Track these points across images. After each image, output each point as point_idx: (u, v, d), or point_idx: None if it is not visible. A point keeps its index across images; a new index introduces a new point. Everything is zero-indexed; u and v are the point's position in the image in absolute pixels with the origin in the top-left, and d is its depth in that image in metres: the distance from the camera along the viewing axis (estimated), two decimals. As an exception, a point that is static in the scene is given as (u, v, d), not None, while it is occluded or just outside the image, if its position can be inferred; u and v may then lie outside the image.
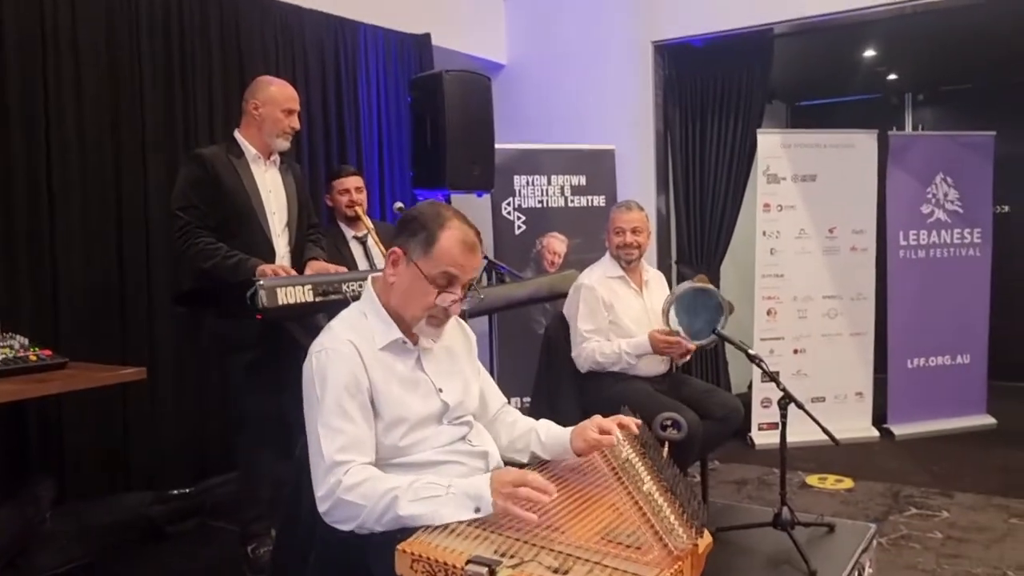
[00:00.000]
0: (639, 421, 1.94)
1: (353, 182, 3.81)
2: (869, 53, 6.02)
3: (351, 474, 1.63)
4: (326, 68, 4.36)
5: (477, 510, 1.55)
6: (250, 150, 3.04)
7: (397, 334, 1.78)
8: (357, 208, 3.74)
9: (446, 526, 1.55)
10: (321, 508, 1.65)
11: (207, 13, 3.75)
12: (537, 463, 1.91)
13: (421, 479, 1.62)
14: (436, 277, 1.74)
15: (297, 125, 3.08)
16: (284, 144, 3.07)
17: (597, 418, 1.89)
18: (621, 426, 1.89)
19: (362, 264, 3.73)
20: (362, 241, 3.81)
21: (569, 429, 1.91)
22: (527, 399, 3.85)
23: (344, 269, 3.11)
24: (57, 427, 3.18)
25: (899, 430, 4.98)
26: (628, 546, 1.55)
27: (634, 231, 3.34)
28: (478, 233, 1.81)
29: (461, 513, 1.55)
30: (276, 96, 3.02)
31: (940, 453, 4.64)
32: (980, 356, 5.17)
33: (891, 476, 4.22)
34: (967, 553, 3.26)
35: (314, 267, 3.06)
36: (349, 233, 3.82)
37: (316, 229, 3.39)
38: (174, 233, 2.92)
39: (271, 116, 3.01)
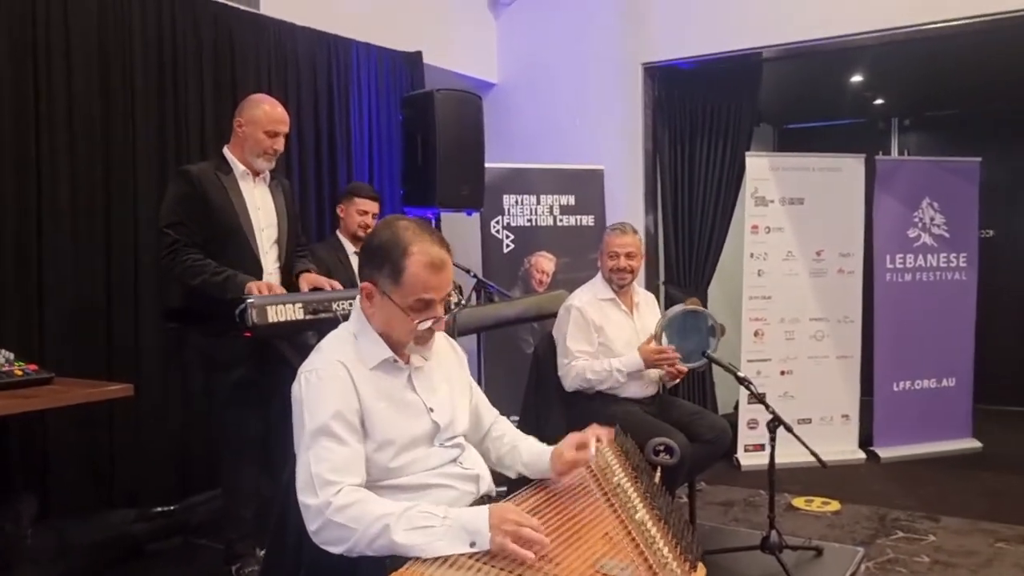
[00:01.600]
0: (611, 432, 1.96)
1: (373, 207, 3.85)
2: (856, 78, 6.08)
3: (342, 495, 1.61)
4: (318, 85, 4.36)
5: (472, 544, 1.52)
6: (238, 167, 3.03)
7: (387, 353, 1.78)
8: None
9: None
10: (310, 527, 1.62)
11: (200, 29, 3.75)
12: (529, 485, 1.90)
13: (416, 506, 1.60)
14: (411, 305, 1.72)
15: (280, 147, 3.06)
16: (264, 164, 3.05)
17: (572, 436, 1.87)
18: (598, 438, 1.88)
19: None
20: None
21: (549, 450, 1.89)
22: (515, 418, 3.83)
23: (338, 284, 3.09)
24: (41, 442, 3.14)
25: (885, 453, 5.00)
26: (620, 580, 1.54)
27: (628, 255, 3.35)
28: (444, 244, 1.76)
29: (456, 547, 1.52)
30: (260, 117, 3.01)
31: (926, 476, 4.66)
32: (966, 380, 5.20)
33: (878, 499, 4.23)
34: (953, 578, 3.26)
35: (308, 279, 3.05)
36: (351, 248, 3.82)
37: (304, 247, 3.39)
38: (162, 250, 2.91)
39: (253, 136, 3.01)
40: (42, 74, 3.17)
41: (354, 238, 3.82)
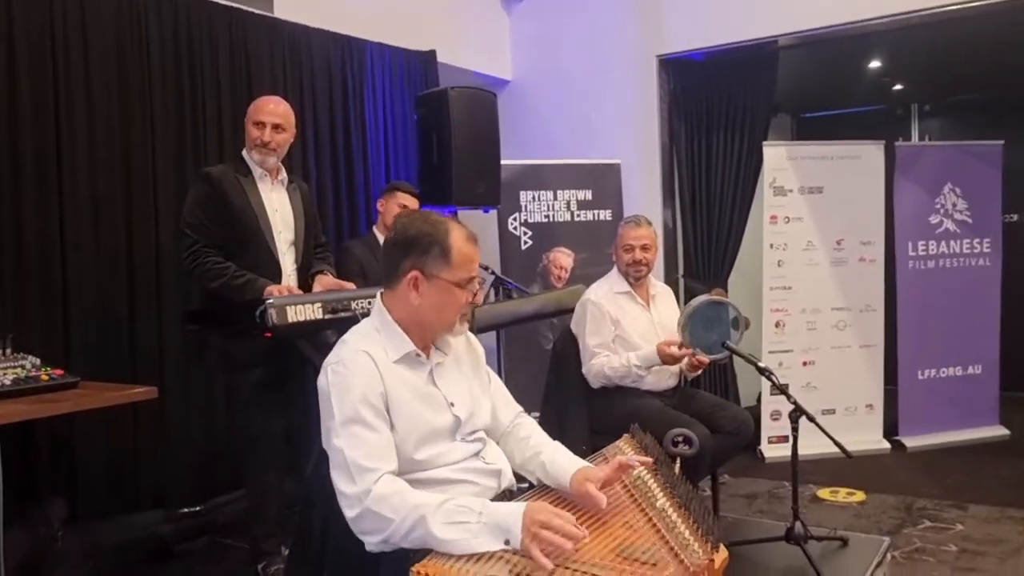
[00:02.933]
0: (649, 460, 1.90)
1: (414, 203, 3.86)
2: (874, 64, 6.02)
3: (382, 483, 1.62)
4: (333, 86, 4.39)
5: (507, 542, 1.54)
6: (256, 169, 3.06)
7: (410, 347, 1.79)
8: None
9: (460, 544, 1.54)
10: (349, 514, 1.63)
11: (215, 33, 3.79)
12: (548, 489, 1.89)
13: (452, 500, 1.60)
14: (463, 281, 1.79)
15: (267, 139, 3.02)
16: (259, 158, 3.04)
17: (600, 472, 1.80)
18: (623, 468, 1.82)
19: None
20: None
21: (571, 470, 1.82)
22: (535, 414, 3.84)
23: (352, 285, 3.11)
24: (68, 446, 3.18)
25: (911, 442, 4.95)
26: (644, 563, 1.54)
27: (644, 248, 3.34)
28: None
29: (492, 544, 1.54)
30: (250, 111, 3.05)
31: (953, 465, 4.61)
32: (991, 367, 5.14)
33: (904, 489, 4.19)
34: (983, 567, 3.23)
35: (323, 282, 3.07)
36: None
37: (324, 248, 3.40)
38: (182, 252, 2.94)
39: (247, 131, 3.04)
40: (61, 78, 3.22)
41: None
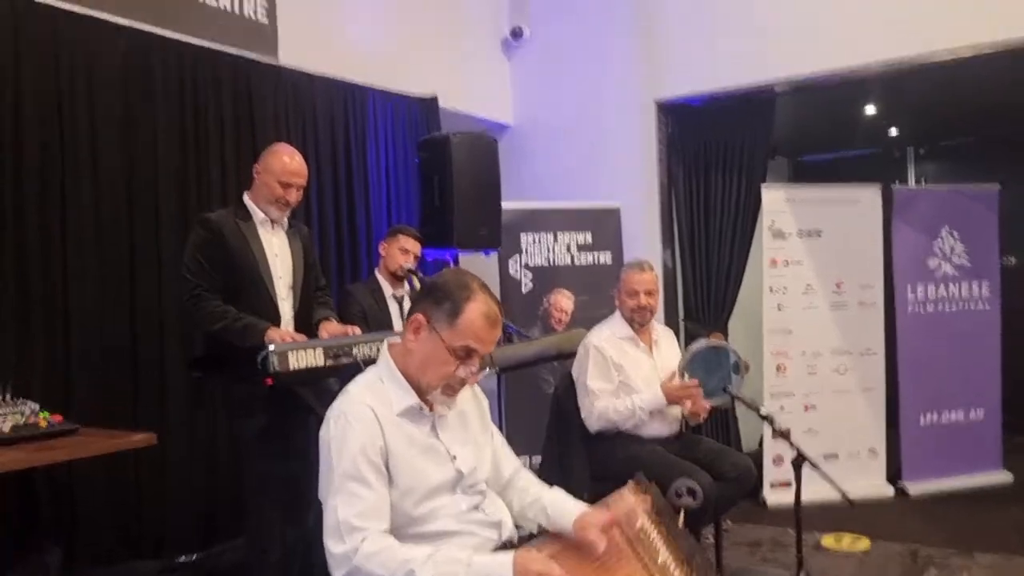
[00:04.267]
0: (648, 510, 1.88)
1: (416, 247, 3.87)
2: (869, 108, 6.09)
3: (369, 542, 1.62)
4: (335, 131, 4.43)
5: None
6: (258, 214, 3.07)
7: (414, 400, 1.78)
8: (411, 274, 3.78)
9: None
10: (337, 574, 1.64)
11: (221, 80, 3.83)
12: (549, 535, 1.87)
13: (440, 551, 1.60)
14: (457, 349, 1.74)
15: (292, 199, 3.07)
16: (276, 213, 3.07)
17: (600, 516, 1.79)
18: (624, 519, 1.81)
19: (397, 323, 3.73)
20: (399, 301, 3.83)
21: (573, 514, 1.82)
22: (536, 457, 3.82)
23: (357, 330, 3.11)
24: (66, 492, 3.15)
25: (914, 487, 4.90)
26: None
27: (648, 293, 3.35)
28: (500, 306, 1.81)
29: None
30: (275, 167, 3.04)
31: (958, 511, 4.56)
32: (994, 411, 5.11)
33: (908, 536, 4.14)
34: (990, 616, 3.18)
35: (328, 328, 3.06)
36: (389, 290, 3.84)
37: (324, 291, 3.41)
38: (183, 296, 2.94)
39: (267, 184, 3.04)
40: (67, 120, 3.25)
41: (393, 278, 3.84)
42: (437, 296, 1.77)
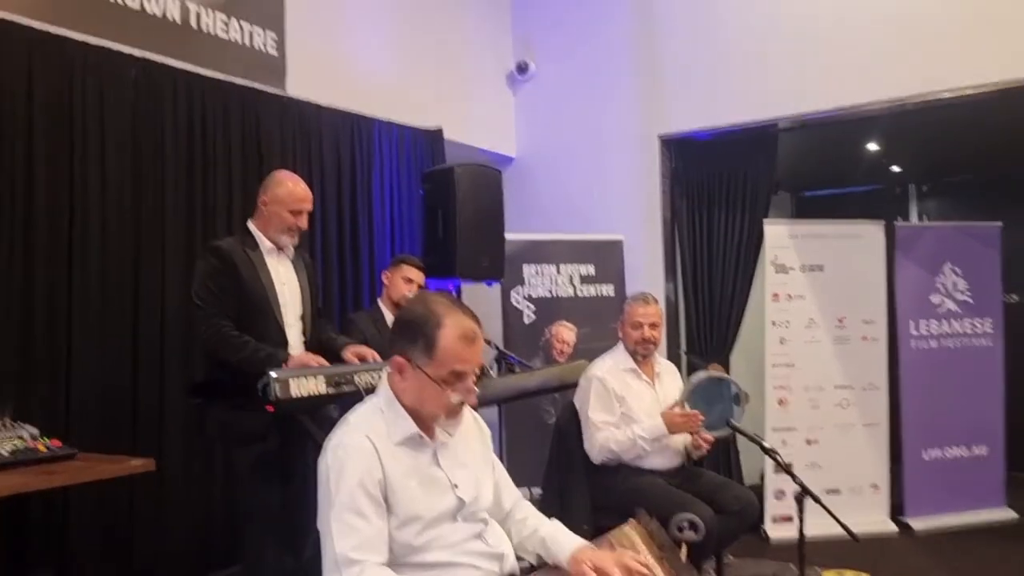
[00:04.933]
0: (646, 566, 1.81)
1: (419, 277, 3.89)
2: (872, 146, 6.14)
3: (365, 575, 1.60)
4: (341, 161, 4.48)
5: None
6: (264, 242, 3.09)
7: (414, 429, 1.77)
8: None
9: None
10: None
11: (229, 110, 3.88)
12: (550, 569, 1.86)
13: None
14: (445, 378, 1.73)
15: (303, 225, 3.11)
16: (288, 241, 3.11)
17: (598, 556, 1.77)
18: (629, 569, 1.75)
19: None
20: None
21: (570, 548, 1.81)
22: (536, 489, 3.80)
23: (377, 355, 3.11)
24: (61, 517, 3.14)
25: (917, 523, 4.86)
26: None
27: (652, 325, 3.35)
28: (475, 318, 1.78)
29: None
30: (283, 196, 3.07)
31: (962, 548, 4.52)
32: (997, 447, 5.09)
33: (911, 572, 4.10)
34: (995, 657, 3.14)
35: (353, 351, 3.05)
36: (391, 319, 3.84)
37: (324, 319, 3.42)
38: (199, 324, 2.94)
39: (278, 214, 3.07)
40: (77, 151, 3.29)
41: (396, 307, 3.84)
42: (409, 333, 1.75)
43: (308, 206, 3.13)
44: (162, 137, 3.59)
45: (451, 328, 1.72)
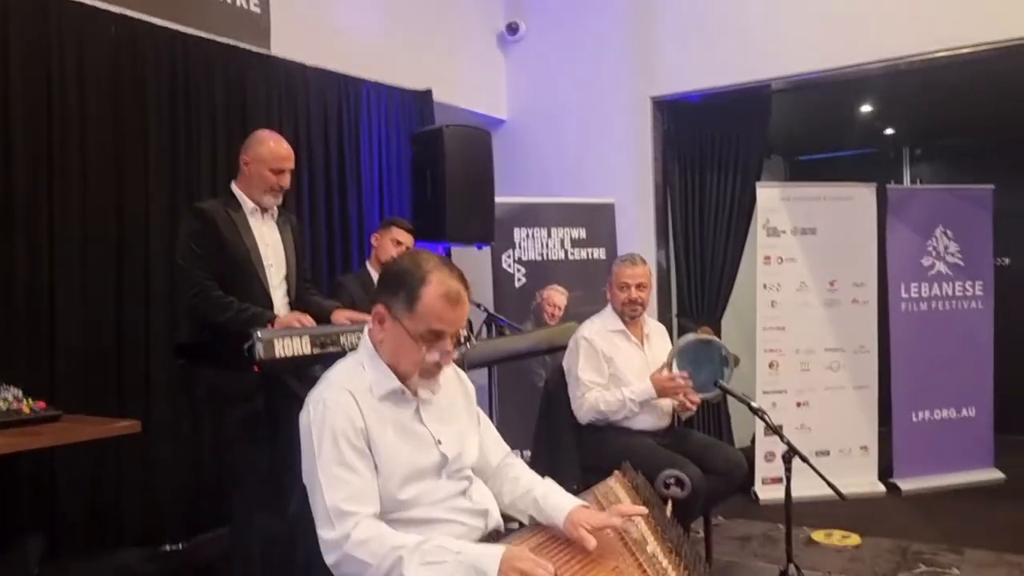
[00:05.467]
0: (644, 510, 1.83)
1: (408, 239, 3.86)
2: (865, 108, 6.09)
3: (360, 528, 1.60)
4: (328, 123, 4.41)
5: None
6: (247, 203, 3.05)
7: (395, 384, 1.76)
8: None
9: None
10: (329, 561, 1.61)
11: (213, 70, 3.81)
12: (538, 526, 1.85)
13: (431, 540, 1.58)
14: (422, 334, 1.70)
15: (286, 184, 3.06)
16: (271, 201, 3.06)
17: (594, 516, 1.75)
18: (622, 515, 1.77)
19: None
20: None
21: (565, 509, 1.77)
22: (527, 452, 3.80)
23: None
24: (49, 481, 3.13)
25: (905, 484, 4.90)
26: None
27: (639, 287, 3.33)
28: (463, 280, 1.76)
29: None
30: (264, 155, 3.03)
31: (948, 508, 4.56)
32: (986, 409, 5.11)
33: (899, 532, 4.14)
34: (979, 613, 3.17)
35: (345, 315, 3.03)
36: None
37: (311, 284, 3.39)
38: (184, 286, 2.91)
39: (258, 173, 3.02)
40: (56, 112, 3.23)
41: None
42: (392, 285, 1.73)
43: (290, 165, 3.08)
44: (143, 97, 3.53)
45: (436, 286, 1.70)
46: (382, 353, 1.77)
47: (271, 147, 3.04)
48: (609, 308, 3.44)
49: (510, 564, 1.50)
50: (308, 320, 2.84)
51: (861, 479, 4.86)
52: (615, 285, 3.38)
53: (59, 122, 3.23)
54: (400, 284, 1.72)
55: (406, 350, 1.72)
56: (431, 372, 1.77)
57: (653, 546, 1.76)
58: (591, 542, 1.68)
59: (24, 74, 3.14)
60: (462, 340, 1.82)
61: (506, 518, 1.91)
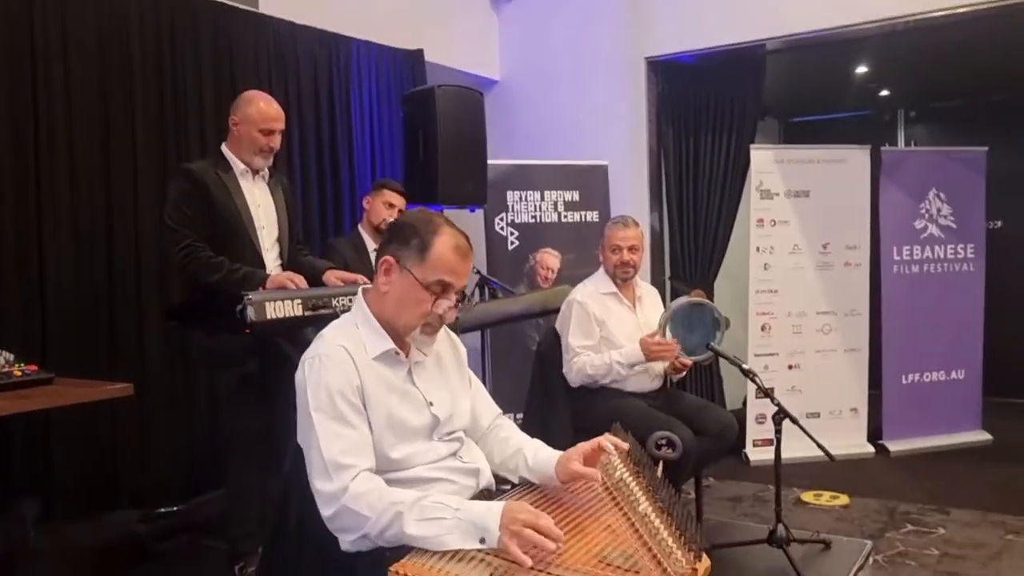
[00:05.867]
0: (626, 445, 1.86)
1: (400, 202, 3.84)
2: (861, 69, 6.04)
3: (359, 481, 1.60)
4: (319, 83, 4.35)
5: (482, 540, 1.51)
6: (238, 164, 3.02)
7: (389, 344, 1.76)
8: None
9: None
10: (325, 513, 1.61)
11: (199, 28, 3.74)
12: (529, 485, 1.87)
13: (428, 496, 1.59)
14: (432, 284, 1.72)
15: (276, 144, 3.04)
16: (261, 162, 3.04)
17: (581, 445, 1.80)
18: (604, 448, 1.81)
19: None
20: None
21: (556, 456, 1.82)
22: (519, 415, 3.83)
23: (364, 278, 3.08)
24: (43, 443, 3.14)
25: (894, 446, 4.96)
26: (626, 570, 1.52)
27: (631, 249, 3.33)
28: (468, 239, 1.80)
29: (466, 542, 1.51)
30: (253, 116, 2.99)
31: (936, 469, 4.62)
32: (975, 372, 5.16)
33: (887, 493, 4.19)
34: (964, 571, 3.23)
35: (337, 275, 3.03)
36: (372, 245, 3.81)
37: (303, 246, 3.37)
38: (173, 248, 2.88)
39: (247, 134, 2.99)
40: (40, 73, 3.17)
41: (376, 232, 3.80)
42: (404, 235, 1.75)
43: (279, 125, 3.04)
44: (129, 58, 3.46)
45: (448, 237, 1.74)
46: (383, 308, 1.77)
47: (260, 107, 3.00)
48: (601, 271, 3.44)
49: (511, 517, 1.51)
50: (301, 280, 2.83)
51: (850, 440, 4.91)
52: (607, 248, 3.37)
53: (44, 85, 3.17)
54: (413, 234, 1.74)
55: (413, 300, 1.74)
56: (433, 327, 1.78)
57: (645, 506, 1.77)
58: (594, 474, 1.74)
59: (6, 38, 3.07)
60: (465, 299, 1.82)
61: (497, 479, 1.93)
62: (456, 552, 1.51)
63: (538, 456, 1.86)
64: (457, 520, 1.53)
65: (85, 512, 3.23)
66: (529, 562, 1.47)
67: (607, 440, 1.82)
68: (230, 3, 3.89)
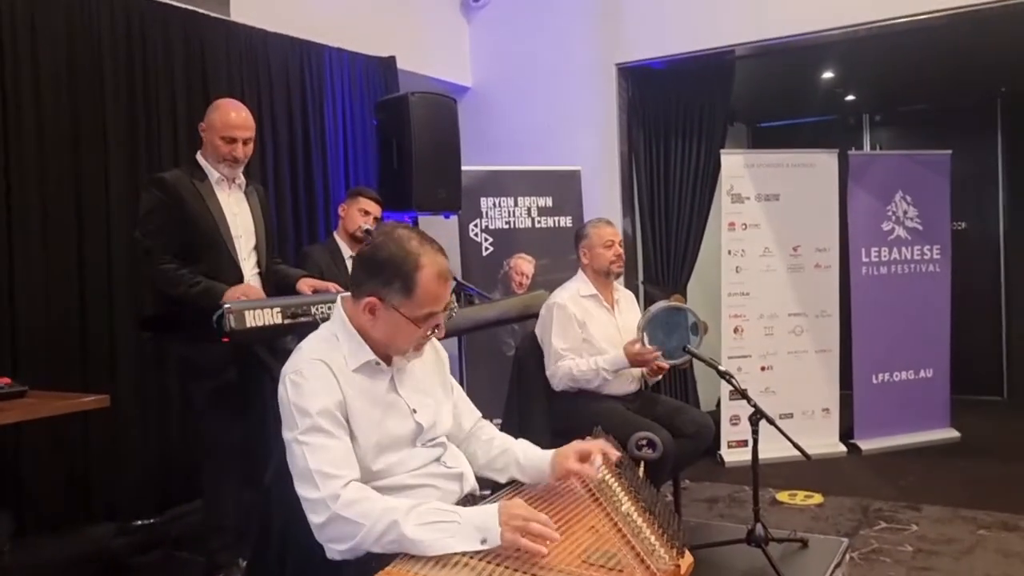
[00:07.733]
0: (620, 454, 1.89)
1: (376, 209, 3.82)
2: (827, 75, 6.14)
3: (350, 489, 1.59)
4: (291, 91, 4.33)
5: (483, 541, 1.51)
6: (212, 173, 2.99)
7: (370, 355, 1.75)
8: (369, 235, 3.72)
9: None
10: (316, 520, 1.59)
11: (170, 37, 3.71)
12: (513, 486, 1.88)
13: (423, 504, 1.59)
14: (420, 318, 1.71)
15: (239, 154, 2.98)
16: (227, 171, 2.99)
17: (577, 443, 1.83)
18: (602, 452, 1.84)
19: None
20: None
21: (549, 453, 1.84)
22: (497, 420, 3.82)
23: (336, 286, 3.07)
24: (15, 457, 3.08)
25: (866, 445, 5.03)
26: (610, 569, 1.53)
27: (620, 243, 3.40)
28: (443, 251, 1.77)
29: (468, 544, 1.51)
30: (216, 123, 2.96)
31: (907, 467, 4.70)
32: (943, 370, 5.26)
33: (860, 491, 4.26)
34: (938, 566, 3.29)
35: (309, 283, 3.01)
36: (347, 252, 3.79)
37: (279, 260, 3.35)
38: (140, 259, 2.87)
39: (211, 142, 2.97)
40: (9, 81, 3.13)
41: (352, 239, 3.78)
42: (384, 275, 1.70)
43: (242, 133, 2.98)
44: (100, 65, 3.43)
45: (429, 268, 1.70)
46: (372, 333, 1.75)
47: (222, 115, 2.97)
48: (581, 274, 3.46)
49: (509, 514, 1.52)
50: (256, 293, 2.81)
51: (823, 440, 4.98)
52: (599, 245, 3.39)
53: (12, 91, 3.13)
54: (393, 273, 1.69)
55: (404, 333, 1.73)
56: (422, 344, 1.80)
57: (627, 506, 1.79)
58: (591, 471, 1.76)
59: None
60: (452, 306, 1.83)
61: (480, 481, 1.93)
62: (440, 558, 1.51)
63: (529, 454, 1.89)
64: (458, 523, 1.53)
65: (59, 526, 3.18)
66: (544, 551, 1.49)
67: (600, 453, 1.84)
68: (201, 10, 3.86)
